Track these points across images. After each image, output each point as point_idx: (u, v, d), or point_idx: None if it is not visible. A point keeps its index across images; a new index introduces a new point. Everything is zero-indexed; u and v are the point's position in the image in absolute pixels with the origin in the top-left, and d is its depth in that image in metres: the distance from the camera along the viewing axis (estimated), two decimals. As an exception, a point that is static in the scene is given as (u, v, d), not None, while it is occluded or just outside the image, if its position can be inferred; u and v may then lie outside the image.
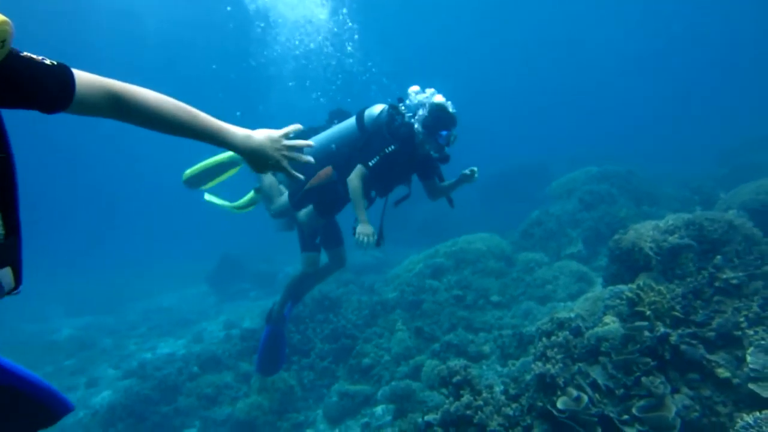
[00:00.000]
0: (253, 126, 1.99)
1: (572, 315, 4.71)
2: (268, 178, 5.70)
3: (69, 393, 9.58)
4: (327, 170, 5.18)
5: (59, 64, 1.42)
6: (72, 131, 30.39)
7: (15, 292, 1.40)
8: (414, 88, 4.99)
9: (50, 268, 23.81)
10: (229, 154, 5.86)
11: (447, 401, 4.24)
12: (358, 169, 4.79)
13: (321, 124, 5.99)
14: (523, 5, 28.27)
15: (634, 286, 4.55)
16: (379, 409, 6.29)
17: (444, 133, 4.59)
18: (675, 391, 4.04)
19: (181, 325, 13.66)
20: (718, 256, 4.63)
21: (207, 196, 6.01)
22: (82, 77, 1.49)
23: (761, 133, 17.20)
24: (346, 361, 7.52)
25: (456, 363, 4.52)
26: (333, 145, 5.26)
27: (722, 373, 3.99)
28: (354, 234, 4.70)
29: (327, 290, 9.48)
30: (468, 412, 4.02)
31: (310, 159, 2.16)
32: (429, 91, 4.93)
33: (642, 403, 3.91)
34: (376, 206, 5.32)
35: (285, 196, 5.51)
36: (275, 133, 2.00)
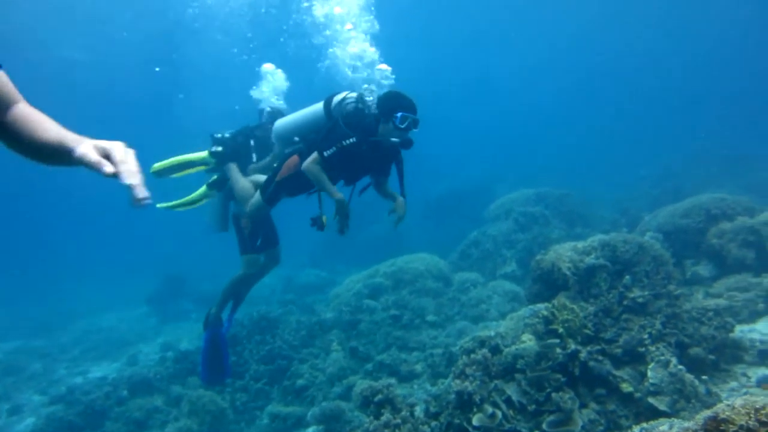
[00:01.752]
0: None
1: (492, 333, 4.86)
2: (242, 182, 5.58)
3: (-11, 421, 9.08)
4: (293, 159, 5.08)
5: None
6: None
7: None
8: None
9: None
10: (202, 154, 5.85)
11: (367, 420, 4.28)
12: (313, 156, 4.69)
13: (257, 123, 6.04)
14: (479, 25, 29.04)
15: (549, 305, 4.74)
16: (310, 431, 6.25)
17: (399, 114, 4.45)
18: (583, 405, 4.22)
19: (116, 348, 13.18)
20: (627, 276, 4.89)
21: (159, 205, 5.93)
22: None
23: (694, 153, 18.04)
24: (281, 383, 7.44)
25: (379, 382, 4.57)
26: (296, 137, 5.22)
27: (626, 387, 4.19)
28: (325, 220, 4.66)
29: (266, 311, 9.40)
30: (386, 430, 4.06)
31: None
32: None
33: (551, 418, 4.05)
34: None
35: (258, 194, 5.35)
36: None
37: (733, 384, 4.31)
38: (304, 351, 7.91)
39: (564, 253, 5.41)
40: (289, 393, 7.17)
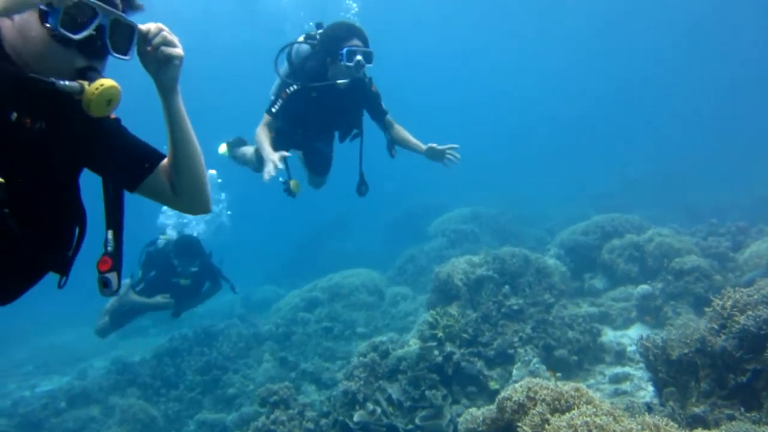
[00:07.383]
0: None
1: (384, 339, 5.32)
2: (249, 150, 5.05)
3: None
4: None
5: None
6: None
7: (116, 293, 1.74)
8: None
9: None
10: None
11: (260, 418, 4.69)
12: (263, 118, 4.13)
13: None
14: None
15: (434, 311, 5.23)
16: (229, 436, 6.60)
17: (345, 50, 3.77)
18: (456, 402, 4.69)
19: (69, 362, 13.28)
20: (507, 286, 5.41)
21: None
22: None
23: (636, 175, 18.78)
24: (214, 392, 7.78)
25: (278, 384, 5.00)
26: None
27: (493, 385, 4.68)
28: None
29: (209, 324, 9.73)
30: (272, 426, 4.48)
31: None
32: None
33: (424, 413, 4.52)
34: (348, 156, 4.69)
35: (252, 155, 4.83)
36: None
37: (591, 381, 4.83)
38: (239, 362, 8.26)
39: (459, 266, 5.91)
40: (220, 401, 7.51)
